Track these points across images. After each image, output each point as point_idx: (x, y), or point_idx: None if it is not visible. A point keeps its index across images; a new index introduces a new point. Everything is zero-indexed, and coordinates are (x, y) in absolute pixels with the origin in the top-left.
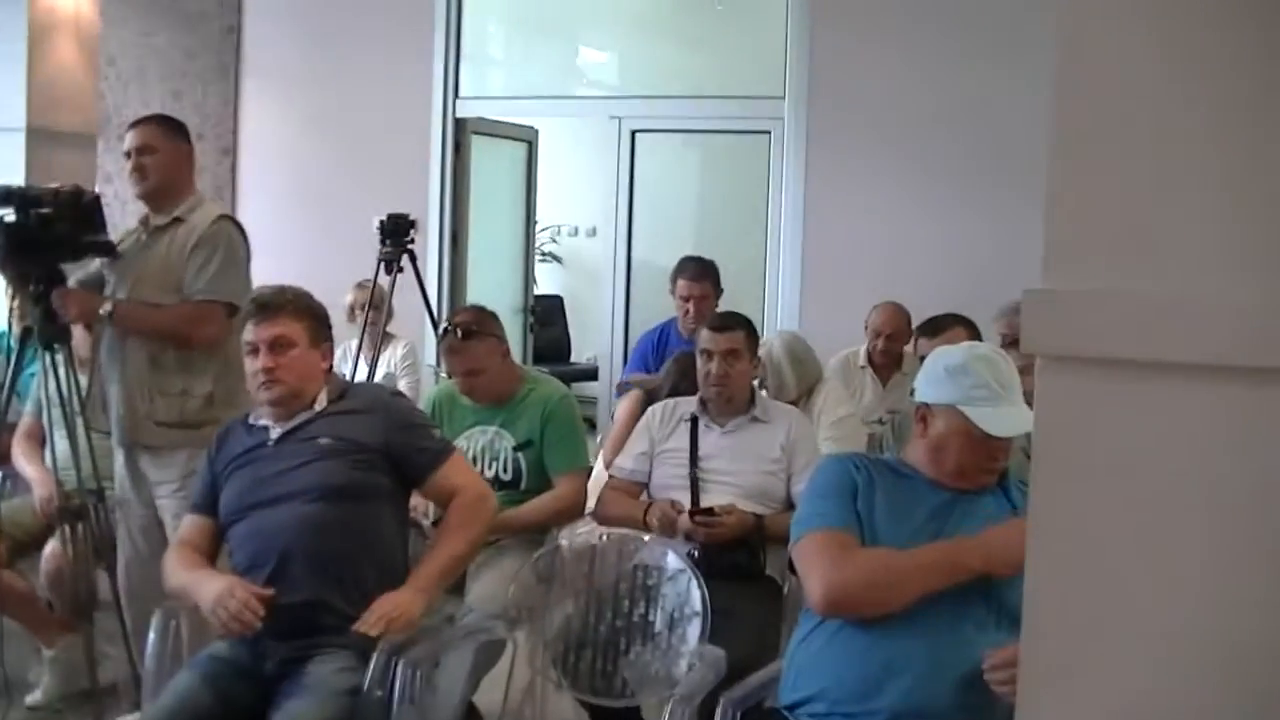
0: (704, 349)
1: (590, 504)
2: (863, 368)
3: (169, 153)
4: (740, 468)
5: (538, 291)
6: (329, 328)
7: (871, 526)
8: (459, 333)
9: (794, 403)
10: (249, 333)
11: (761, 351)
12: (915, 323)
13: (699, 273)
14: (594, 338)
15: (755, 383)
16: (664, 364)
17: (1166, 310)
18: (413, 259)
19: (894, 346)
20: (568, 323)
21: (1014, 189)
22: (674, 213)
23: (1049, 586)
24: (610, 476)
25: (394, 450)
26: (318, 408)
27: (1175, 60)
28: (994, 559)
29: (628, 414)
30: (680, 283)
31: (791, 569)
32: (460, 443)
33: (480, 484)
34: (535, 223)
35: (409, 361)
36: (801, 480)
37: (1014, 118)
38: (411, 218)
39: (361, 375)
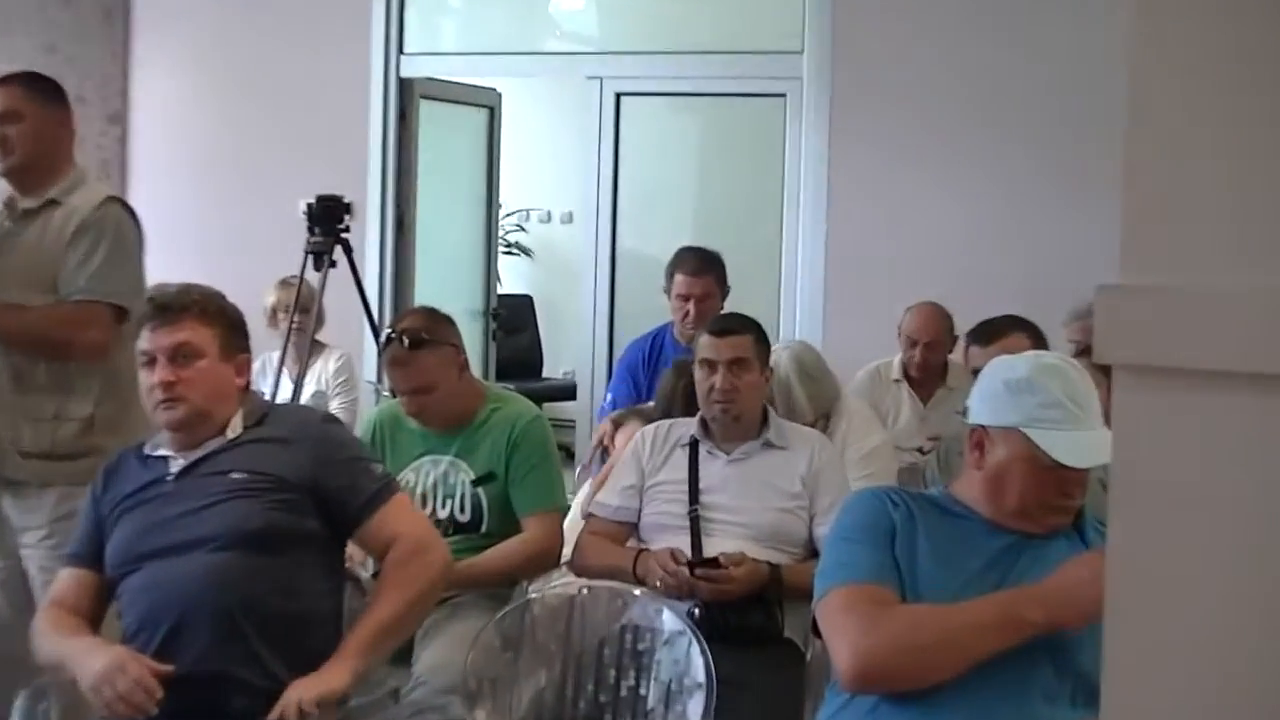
0: (704, 358)
1: (567, 551)
2: (897, 381)
3: (39, 120)
4: (750, 504)
5: (502, 291)
6: (245, 335)
7: (913, 578)
8: (405, 341)
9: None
10: (145, 340)
11: None
12: (961, 327)
13: (700, 266)
14: (571, 347)
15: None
16: (659, 378)
17: (1271, 311)
18: (348, 251)
19: (933, 357)
20: (539, 329)
21: (1086, 166)
22: (668, 194)
23: (1132, 645)
24: (590, 516)
25: (323, 489)
26: (231, 434)
27: (1271, 25)
28: (1061, 608)
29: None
30: (677, 279)
31: (816, 631)
32: (407, 476)
33: (425, 531)
34: (499, 206)
35: (343, 377)
36: (827, 521)
37: (1085, 80)
38: (346, 200)
39: (285, 394)
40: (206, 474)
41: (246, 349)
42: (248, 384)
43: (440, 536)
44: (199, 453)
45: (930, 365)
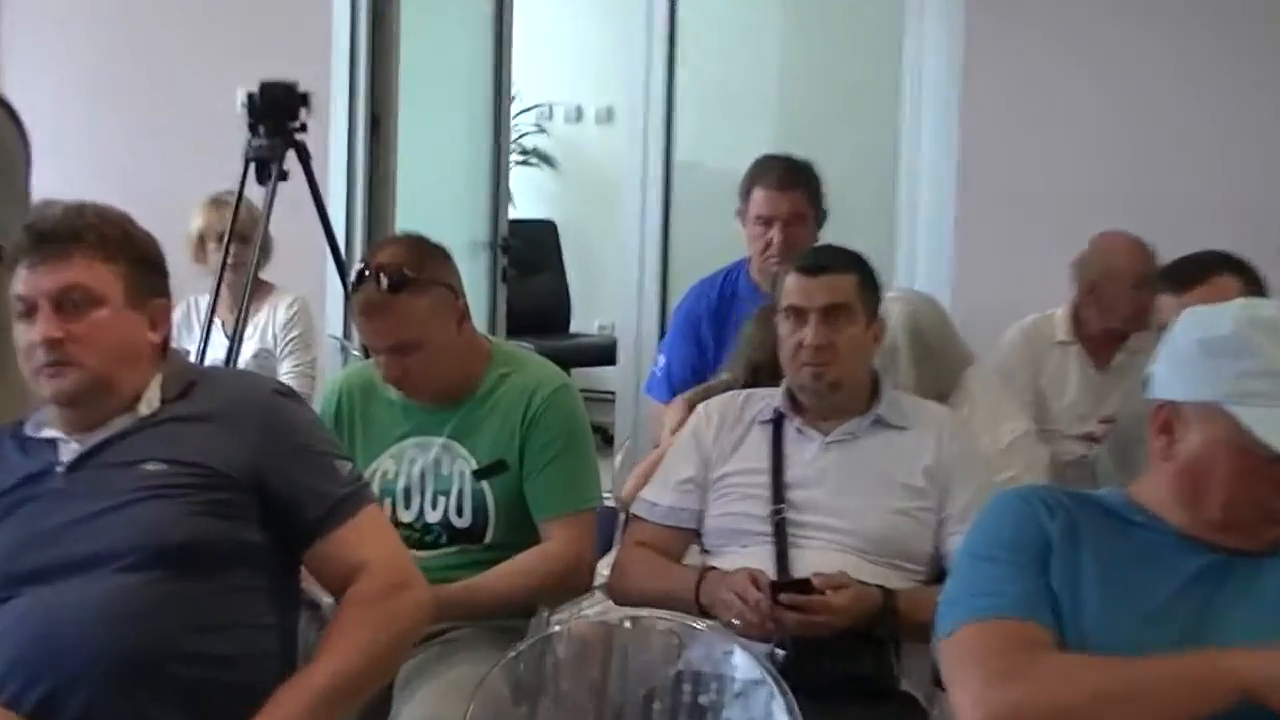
0: (790, 305)
1: (604, 569)
2: (1064, 344)
3: None
4: (856, 503)
5: (515, 215)
6: (163, 274)
7: (1075, 613)
8: (383, 280)
9: None
10: (22, 282)
11: None
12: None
13: (787, 178)
14: (610, 292)
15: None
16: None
17: None
18: (304, 158)
19: (1147, 301)
20: (565, 268)
21: None
22: (742, 85)
23: None
24: (634, 519)
25: (271, 487)
26: (144, 410)
27: None
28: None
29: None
30: (756, 195)
31: (939, 681)
32: (385, 465)
33: (401, 561)
34: (510, 99)
35: (297, 330)
36: (962, 530)
37: None
38: (301, 89)
39: (218, 354)
40: (110, 465)
41: (164, 292)
42: (167, 341)
43: (418, 570)
44: (100, 435)
45: (1138, 317)
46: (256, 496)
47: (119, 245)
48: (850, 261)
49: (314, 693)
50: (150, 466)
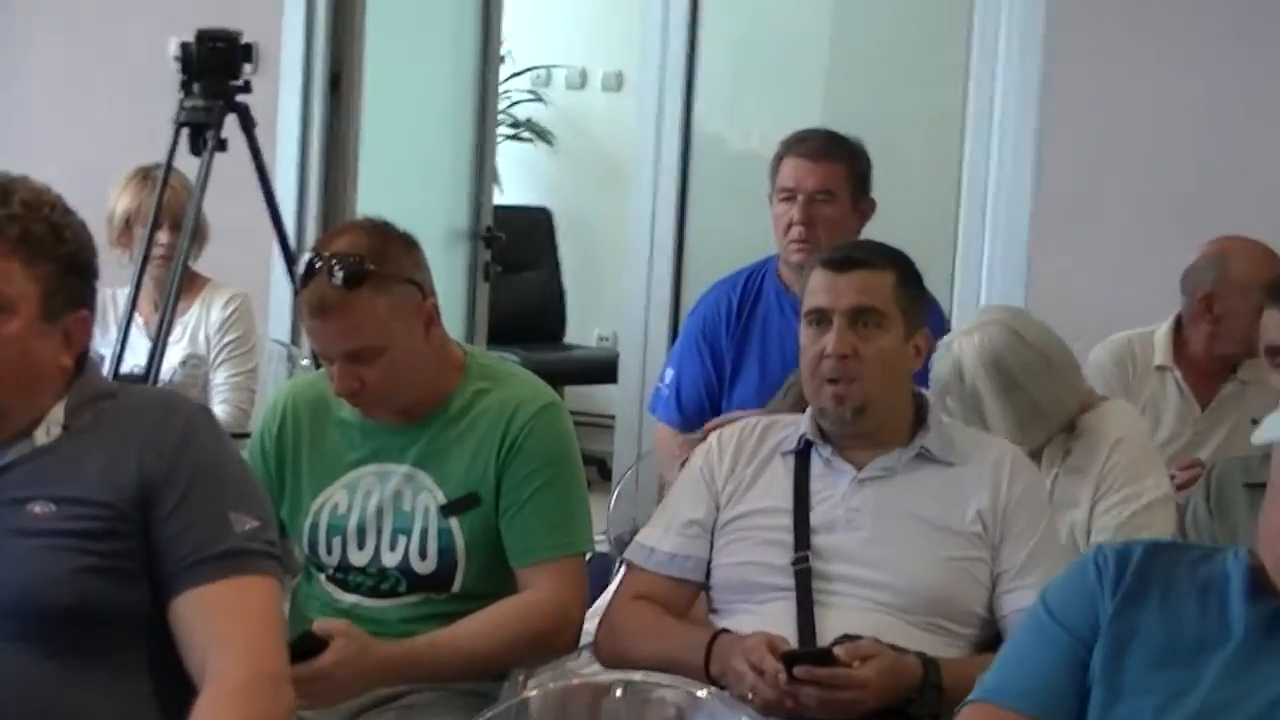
0: (814, 308)
1: (590, 625)
2: (1163, 369)
3: None
4: (893, 552)
5: (501, 200)
6: (90, 278)
7: (1108, 698)
8: (336, 274)
9: None
10: None
11: (943, 360)
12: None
13: (821, 147)
14: (613, 296)
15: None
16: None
17: None
18: (247, 125)
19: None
20: (560, 264)
21: None
22: (778, 47)
23: None
24: (628, 568)
25: (154, 518)
26: (41, 440)
27: None
28: None
29: None
30: (785, 166)
31: None
32: (335, 497)
33: (271, 660)
34: (500, 60)
35: (236, 333)
36: (1022, 586)
37: None
38: (246, 40)
39: (138, 360)
40: None
41: (87, 302)
42: (83, 356)
43: (286, 682)
44: None
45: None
46: (142, 531)
47: (46, 245)
48: (886, 257)
49: None
50: (37, 508)
